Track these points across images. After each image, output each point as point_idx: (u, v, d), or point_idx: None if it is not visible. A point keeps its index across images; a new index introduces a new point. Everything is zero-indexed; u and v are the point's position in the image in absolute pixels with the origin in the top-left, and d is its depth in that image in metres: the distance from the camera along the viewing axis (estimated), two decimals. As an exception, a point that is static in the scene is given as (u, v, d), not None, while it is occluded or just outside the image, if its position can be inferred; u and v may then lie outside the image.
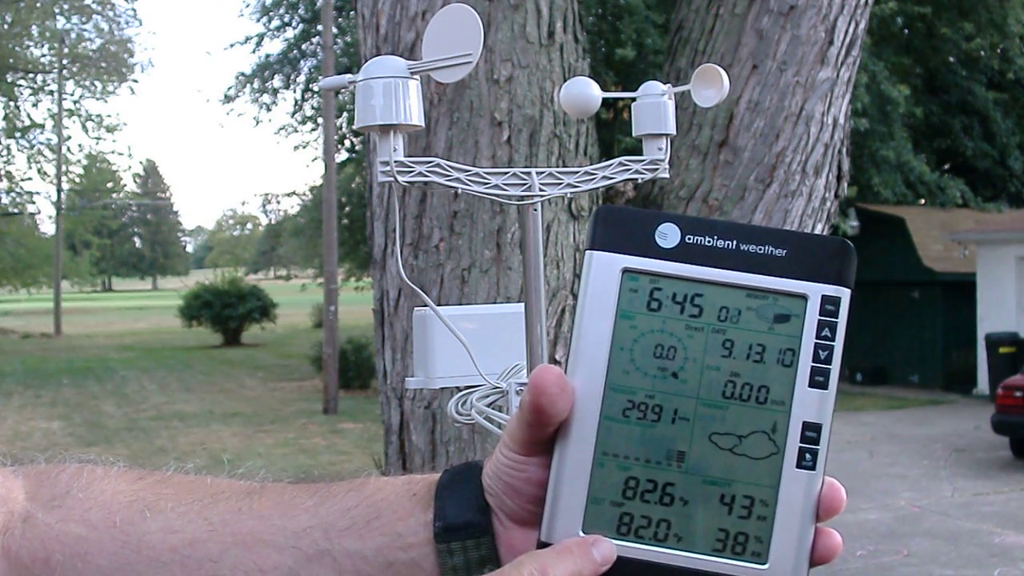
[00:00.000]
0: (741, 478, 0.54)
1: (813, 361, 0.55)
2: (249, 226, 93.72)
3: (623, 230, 0.56)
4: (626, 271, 0.55)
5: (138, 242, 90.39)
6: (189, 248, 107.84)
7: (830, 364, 0.55)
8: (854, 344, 17.42)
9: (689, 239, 0.55)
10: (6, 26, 28.52)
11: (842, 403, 15.20)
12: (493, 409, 0.99)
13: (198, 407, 15.31)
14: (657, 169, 1.07)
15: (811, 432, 0.54)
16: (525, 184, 0.98)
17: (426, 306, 1.09)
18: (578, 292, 0.56)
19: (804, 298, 0.55)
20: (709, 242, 0.55)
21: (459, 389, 1.06)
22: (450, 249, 2.26)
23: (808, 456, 0.54)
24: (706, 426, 0.54)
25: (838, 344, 0.55)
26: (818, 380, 0.55)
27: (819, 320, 0.55)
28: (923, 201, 19.07)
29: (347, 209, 20.74)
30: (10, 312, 44.48)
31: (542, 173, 0.99)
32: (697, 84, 1.11)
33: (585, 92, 1.07)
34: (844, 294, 0.55)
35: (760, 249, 0.55)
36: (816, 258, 0.55)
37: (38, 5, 28.56)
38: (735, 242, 0.55)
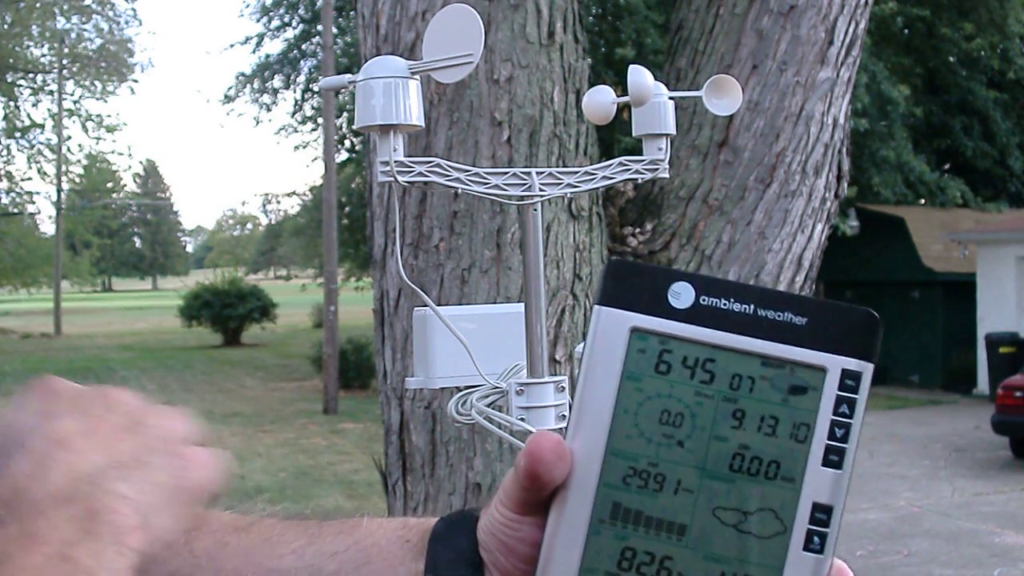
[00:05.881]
0: (744, 557, 0.51)
1: (828, 439, 0.51)
2: (249, 226, 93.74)
3: (634, 286, 0.53)
4: (635, 330, 0.52)
5: (138, 242, 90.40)
6: (189, 248, 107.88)
7: (847, 443, 0.51)
8: (854, 344, 17.46)
9: (704, 300, 0.52)
10: (6, 26, 28.53)
11: (842, 403, 15.23)
12: (493, 409, 0.99)
13: (198, 407, 15.28)
14: (657, 169, 1.07)
15: (821, 514, 0.51)
16: (525, 184, 0.98)
17: (426, 306, 1.09)
18: (584, 349, 0.53)
19: (823, 371, 0.52)
20: (725, 305, 0.52)
21: (459, 389, 1.06)
22: (450, 249, 2.26)
23: (816, 539, 0.51)
24: (710, 499, 0.51)
25: (856, 422, 0.52)
26: (832, 459, 0.51)
27: (837, 395, 0.51)
28: (923, 201, 19.07)
29: (347, 209, 20.74)
30: (10, 312, 44.49)
31: (542, 173, 0.99)
32: (710, 93, 1.11)
33: (605, 100, 1.08)
34: (866, 369, 0.52)
35: (779, 316, 0.52)
36: (838, 329, 0.52)
37: (38, 5, 28.56)
38: (752, 306, 0.52)
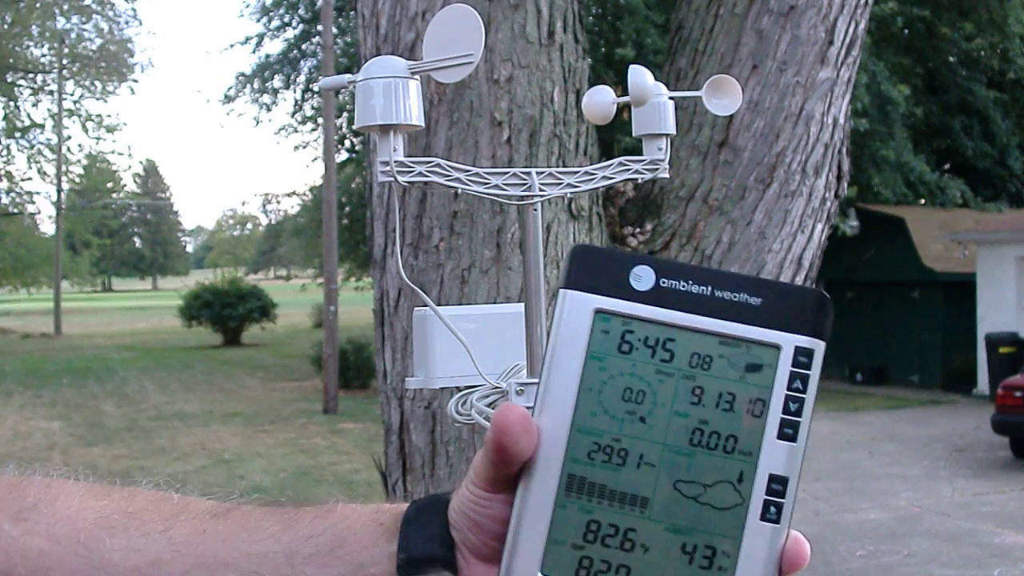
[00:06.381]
0: (704, 527, 0.53)
1: (783, 413, 0.54)
2: (249, 226, 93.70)
3: (598, 270, 0.55)
4: (599, 312, 0.54)
5: (138, 242, 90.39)
6: (189, 248, 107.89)
7: (800, 417, 0.54)
8: (854, 344, 17.47)
9: (664, 283, 0.55)
10: (6, 26, 28.53)
11: (842, 403, 15.27)
12: (493, 409, 0.98)
13: (198, 407, 15.31)
14: (657, 169, 1.07)
15: (777, 485, 0.53)
16: (525, 184, 0.98)
17: (426, 306, 1.09)
18: (550, 330, 0.55)
19: (777, 348, 0.54)
20: (684, 287, 0.55)
21: (459, 389, 1.06)
22: (450, 249, 2.26)
23: (773, 509, 0.53)
24: (672, 473, 0.53)
25: (809, 397, 0.54)
26: (787, 432, 0.54)
27: (791, 371, 0.54)
28: (923, 201, 19.07)
29: (347, 209, 20.74)
30: (10, 312, 44.51)
31: (542, 173, 0.99)
32: (710, 93, 1.11)
33: (605, 100, 1.08)
34: (818, 346, 0.54)
35: (735, 296, 0.55)
36: (792, 308, 0.55)
37: (38, 5, 28.56)
38: (710, 288, 0.55)
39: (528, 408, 0.55)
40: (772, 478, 0.53)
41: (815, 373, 0.54)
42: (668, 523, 0.53)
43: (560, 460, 0.54)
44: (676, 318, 0.54)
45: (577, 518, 0.54)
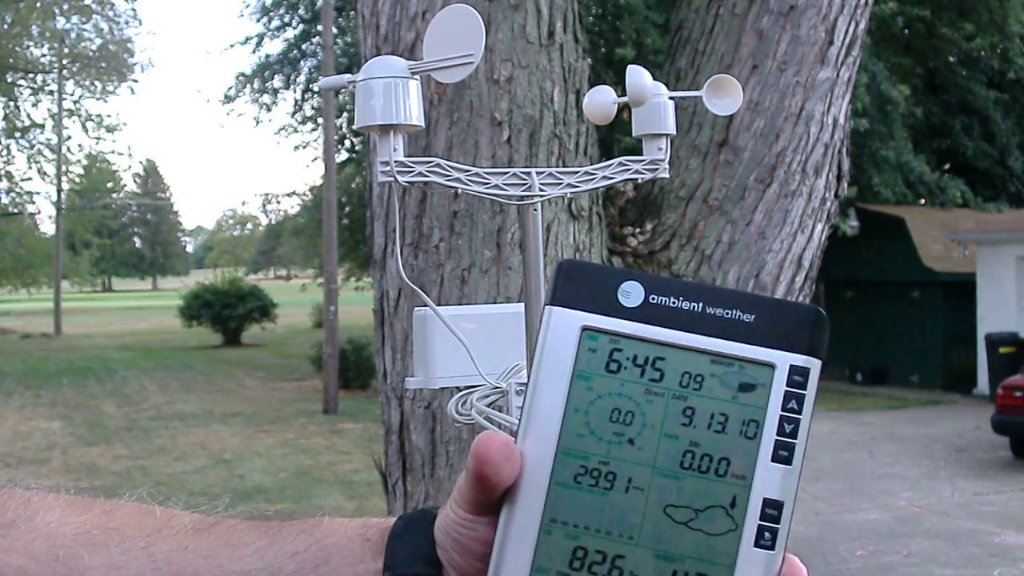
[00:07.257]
0: (695, 554, 0.51)
1: (778, 435, 0.52)
2: (249, 226, 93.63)
3: (585, 286, 0.53)
4: (585, 329, 0.53)
5: (138, 242, 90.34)
6: (189, 248, 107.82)
7: (795, 439, 0.52)
8: (854, 344, 17.47)
9: (653, 299, 0.53)
10: (6, 26, 28.53)
11: (842, 403, 15.27)
12: (493, 409, 0.98)
13: (198, 407, 15.30)
14: (657, 169, 1.07)
15: (772, 510, 0.51)
16: (525, 184, 0.98)
17: (426, 306, 1.09)
18: (535, 348, 0.53)
19: (771, 367, 0.52)
20: (674, 303, 0.53)
21: (459, 389, 1.06)
22: (450, 249, 2.26)
23: (767, 535, 0.51)
24: (661, 497, 0.51)
25: (805, 418, 0.52)
26: (782, 455, 0.52)
27: (786, 391, 0.52)
28: (923, 201, 19.07)
29: (347, 209, 20.73)
30: (10, 312, 44.49)
31: (542, 173, 0.99)
32: (710, 93, 1.11)
33: (605, 100, 1.08)
34: (814, 365, 0.52)
35: (727, 313, 0.53)
36: (786, 325, 0.53)
37: (38, 5, 28.56)
38: (701, 304, 0.53)
39: (511, 432, 0.54)
40: (766, 503, 0.51)
41: (811, 393, 0.52)
42: (657, 550, 0.51)
43: (545, 484, 0.52)
44: (666, 336, 0.52)
45: (562, 545, 0.52)
